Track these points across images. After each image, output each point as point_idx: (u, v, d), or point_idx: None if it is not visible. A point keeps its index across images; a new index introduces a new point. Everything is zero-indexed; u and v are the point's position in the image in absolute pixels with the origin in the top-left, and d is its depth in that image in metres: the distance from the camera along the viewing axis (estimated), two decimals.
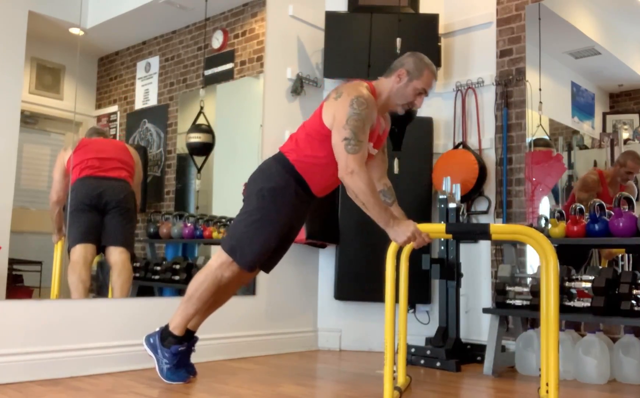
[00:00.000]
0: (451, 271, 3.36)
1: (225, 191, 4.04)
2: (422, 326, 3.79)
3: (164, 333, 2.62)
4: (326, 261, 3.97)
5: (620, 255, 3.42)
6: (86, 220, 3.23)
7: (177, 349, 2.59)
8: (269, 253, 2.61)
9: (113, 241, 3.29)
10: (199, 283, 2.57)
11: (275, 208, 2.54)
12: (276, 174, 2.56)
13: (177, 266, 3.74)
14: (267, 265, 2.72)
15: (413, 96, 2.58)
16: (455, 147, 3.92)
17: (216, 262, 2.57)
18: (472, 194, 3.77)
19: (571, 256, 3.27)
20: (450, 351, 3.25)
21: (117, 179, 3.38)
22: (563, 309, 2.86)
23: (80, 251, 3.17)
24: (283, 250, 2.72)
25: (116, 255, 3.27)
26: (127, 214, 3.40)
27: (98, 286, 3.45)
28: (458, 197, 3.43)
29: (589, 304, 2.83)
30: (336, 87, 2.56)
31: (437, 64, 3.94)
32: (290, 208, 2.56)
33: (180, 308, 2.62)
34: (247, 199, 2.61)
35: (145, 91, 4.05)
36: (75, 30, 3.41)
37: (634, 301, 2.75)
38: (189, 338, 2.65)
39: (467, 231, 2.86)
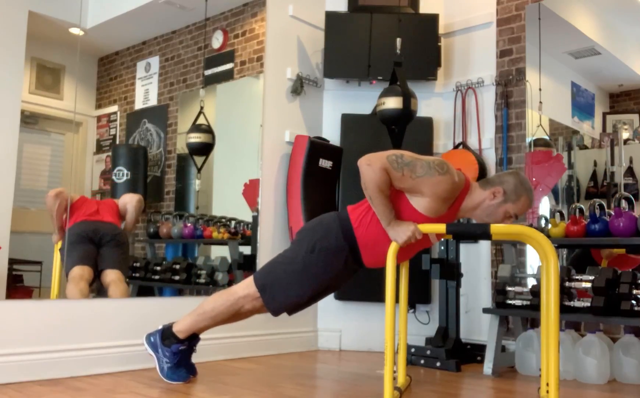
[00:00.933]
0: (451, 271, 3.36)
1: (225, 191, 4.04)
2: (422, 326, 3.79)
3: (166, 333, 2.61)
4: None
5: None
6: (83, 248, 3.32)
7: (177, 348, 2.59)
8: (299, 305, 2.55)
9: (108, 265, 3.36)
10: (218, 304, 2.54)
11: (320, 268, 2.45)
12: (333, 235, 2.44)
13: (177, 266, 3.74)
14: (293, 311, 2.63)
15: (502, 218, 2.41)
16: (455, 147, 3.92)
17: (243, 291, 2.52)
18: None
19: (579, 258, 3.27)
20: (450, 351, 3.25)
21: (110, 222, 3.51)
22: (563, 309, 2.86)
23: (78, 270, 3.23)
24: (313, 302, 2.64)
25: (112, 275, 3.34)
26: (122, 246, 3.54)
27: (98, 287, 3.45)
28: None
29: (589, 304, 2.83)
30: None
31: (437, 64, 3.94)
32: (334, 273, 2.48)
33: (191, 316, 2.59)
34: (296, 244, 2.54)
35: (145, 91, 4.05)
36: (75, 30, 3.41)
37: (634, 301, 2.75)
38: (190, 338, 2.64)
39: (467, 231, 2.84)
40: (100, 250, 3.38)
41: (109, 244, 3.41)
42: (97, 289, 3.43)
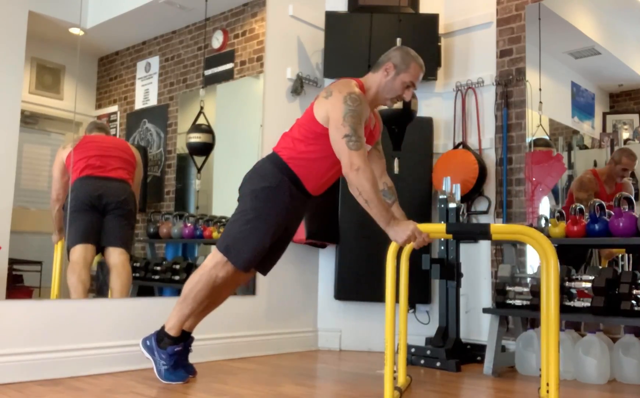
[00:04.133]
0: (451, 271, 3.36)
1: (225, 191, 4.04)
2: (422, 326, 3.79)
3: (160, 335, 2.63)
4: (326, 261, 3.97)
5: (620, 255, 3.42)
6: (86, 220, 3.23)
7: (173, 350, 2.59)
8: (264, 253, 2.59)
9: (112, 242, 3.29)
10: (194, 284, 2.57)
11: (269, 208, 2.53)
12: (269, 173, 2.56)
13: (177, 266, 3.74)
14: (263, 266, 2.71)
15: (401, 90, 2.60)
16: (455, 147, 3.92)
17: (211, 262, 2.56)
18: (472, 194, 3.77)
19: (571, 257, 3.27)
20: (450, 351, 3.25)
21: (118, 179, 3.38)
22: (563, 309, 2.86)
23: (80, 251, 3.17)
24: (279, 251, 2.72)
25: (115, 256, 3.28)
26: (127, 216, 3.41)
27: (98, 286, 3.45)
28: (458, 197, 3.43)
29: (589, 304, 2.83)
30: (326, 87, 2.57)
31: (437, 64, 3.94)
32: (284, 207, 2.56)
33: (176, 308, 2.62)
34: (241, 200, 2.61)
35: (145, 91, 4.05)
36: (75, 30, 3.41)
37: (634, 301, 2.75)
38: (185, 338, 2.66)
39: (467, 231, 2.85)
40: (105, 219, 3.28)
41: (114, 213, 3.30)
42: (97, 289, 3.43)
